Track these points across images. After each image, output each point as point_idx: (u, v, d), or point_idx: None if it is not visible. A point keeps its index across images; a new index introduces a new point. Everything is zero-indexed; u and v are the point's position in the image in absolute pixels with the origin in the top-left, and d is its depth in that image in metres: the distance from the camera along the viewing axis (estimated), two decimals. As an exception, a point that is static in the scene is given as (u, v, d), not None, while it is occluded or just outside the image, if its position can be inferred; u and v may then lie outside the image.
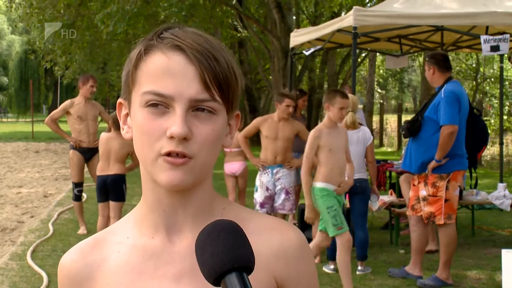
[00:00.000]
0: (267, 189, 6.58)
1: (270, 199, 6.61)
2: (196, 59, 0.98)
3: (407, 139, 5.99)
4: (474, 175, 6.60)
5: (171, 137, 0.97)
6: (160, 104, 0.98)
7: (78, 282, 1.08)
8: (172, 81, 0.98)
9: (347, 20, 7.33)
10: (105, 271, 1.06)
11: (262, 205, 6.59)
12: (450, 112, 5.40)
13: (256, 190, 6.68)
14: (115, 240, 1.09)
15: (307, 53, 8.60)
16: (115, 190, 6.51)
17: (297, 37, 9.22)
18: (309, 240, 6.99)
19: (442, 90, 5.53)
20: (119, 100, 1.09)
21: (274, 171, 6.59)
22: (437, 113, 5.50)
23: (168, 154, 0.98)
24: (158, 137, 0.98)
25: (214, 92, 0.99)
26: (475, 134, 6.00)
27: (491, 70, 28.77)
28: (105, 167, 6.53)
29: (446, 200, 5.52)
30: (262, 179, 6.61)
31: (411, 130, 5.71)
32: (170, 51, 0.99)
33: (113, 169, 6.51)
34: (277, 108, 6.50)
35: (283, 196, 6.59)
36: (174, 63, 0.98)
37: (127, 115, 1.07)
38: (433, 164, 5.48)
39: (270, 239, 1.08)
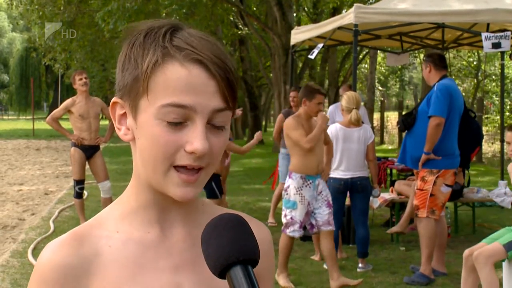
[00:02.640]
0: (309, 204, 5.45)
1: (307, 216, 5.50)
2: (218, 74, 0.98)
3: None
4: (467, 175, 6.69)
5: (191, 153, 0.97)
6: (180, 121, 0.97)
7: (74, 277, 1.01)
8: (194, 96, 0.97)
9: (348, 17, 7.32)
10: (100, 265, 1.03)
11: (301, 225, 5.47)
12: (438, 104, 5.49)
13: (294, 207, 5.40)
14: (102, 234, 1.05)
15: (312, 57, 8.58)
16: (205, 188, 6.60)
17: (298, 35, 9.22)
18: (310, 238, 7.00)
19: (436, 84, 5.64)
20: (115, 99, 1.06)
21: (316, 182, 5.48)
22: (430, 106, 5.59)
23: (183, 167, 0.98)
24: (174, 150, 0.98)
25: (231, 104, 1.00)
26: (469, 135, 6.06)
27: (492, 68, 28.73)
28: None
29: (431, 195, 5.60)
30: (303, 194, 5.39)
31: (405, 123, 5.81)
32: (189, 63, 0.97)
33: None
34: (305, 105, 5.43)
35: (326, 210, 5.49)
36: (195, 78, 0.97)
37: (124, 115, 1.05)
38: (423, 157, 5.55)
39: None
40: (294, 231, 5.43)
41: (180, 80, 0.97)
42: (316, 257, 6.46)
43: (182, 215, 1.08)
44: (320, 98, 5.41)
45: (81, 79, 7.34)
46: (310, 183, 5.41)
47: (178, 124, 0.97)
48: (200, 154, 0.97)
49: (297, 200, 5.39)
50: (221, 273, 0.88)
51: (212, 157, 1.00)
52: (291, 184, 5.45)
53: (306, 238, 7.14)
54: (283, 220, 5.50)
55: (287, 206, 5.46)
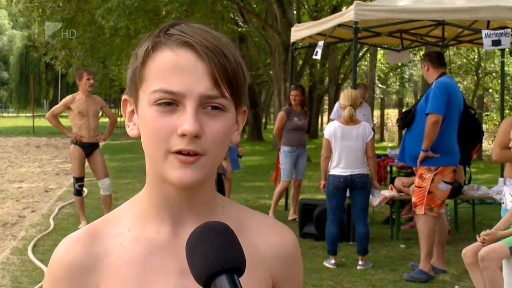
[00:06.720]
0: None
1: None
2: (206, 56, 0.97)
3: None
4: (468, 172, 6.71)
5: (183, 135, 0.96)
6: (170, 102, 0.97)
7: (81, 275, 1.03)
8: (182, 78, 0.96)
9: (348, 14, 7.31)
10: (109, 264, 1.04)
11: None
12: (436, 101, 5.49)
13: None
14: (115, 231, 1.06)
15: (318, 57, 8.57)
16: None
17: (298, 32, 9.21)
18: (310, 235, 7.01)
19: (434, 82, 5.63)
20: (124, 96, 1.07)
21: None
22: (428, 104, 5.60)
23: (179, 152, 0.97)
24: (168, 135, 0.97)
25: (224, 89, 0.98)
26: (469, 132, 6.07)
27: (492, 65, 28.72)
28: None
29: (429, 192, 5.62)
30: None
31: (404, 121, 5.82)
32: (178, 47, 0.98)
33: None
34: None
35: None
36: (183, 59, 0.97)
37: (132, 112, 1.06)
38: (421, 154, 5.56)
39: (270, 239, 1.10)
40: None
41: (168, 63, 0.98)
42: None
43: (196, 216, 1.05)
44: None
45: (89, 79, 7.32)
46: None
47: (168, 106, 0.97)
48: (191, 136, 0.95)
49: (511, 200, 4.83)
50: (206, 282, 0.85)
51: (210, 142, 0.98)
52: (506, 191, 4.93)
53: (305, 235, 7.14)
54: None
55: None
